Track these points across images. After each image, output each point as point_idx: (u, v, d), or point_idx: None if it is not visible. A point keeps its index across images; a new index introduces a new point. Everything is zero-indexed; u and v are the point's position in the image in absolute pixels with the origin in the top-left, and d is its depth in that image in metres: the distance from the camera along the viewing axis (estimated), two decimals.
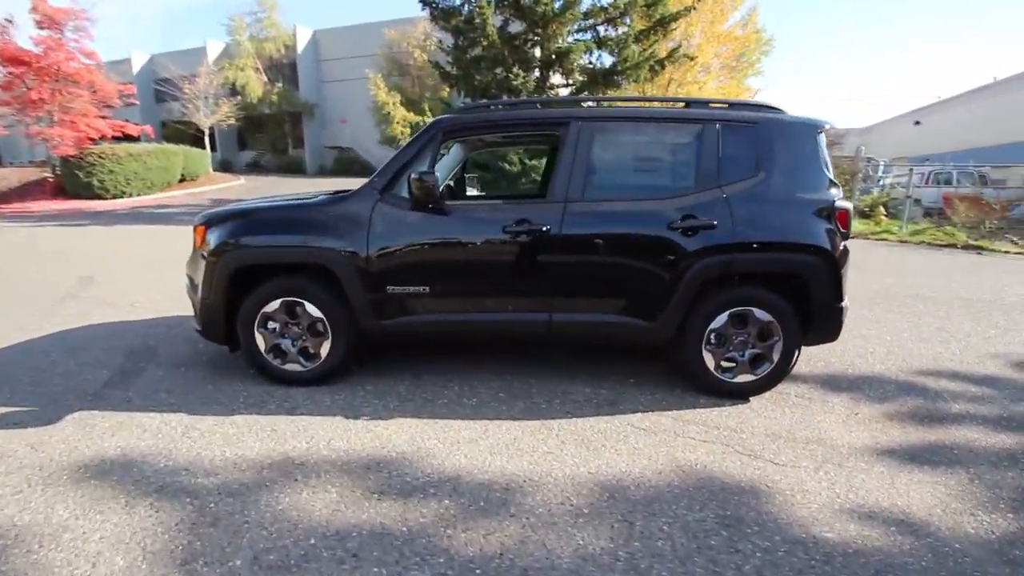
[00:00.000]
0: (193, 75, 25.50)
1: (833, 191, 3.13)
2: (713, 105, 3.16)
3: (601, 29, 13.62)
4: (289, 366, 3.23)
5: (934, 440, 2.81)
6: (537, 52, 13.56)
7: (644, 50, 12.72)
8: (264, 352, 3.21)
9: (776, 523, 2.08)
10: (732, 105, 3.16)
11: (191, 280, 3.40)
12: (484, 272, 3.10)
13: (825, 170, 3.14)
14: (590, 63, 13.31)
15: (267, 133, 30.11)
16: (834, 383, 3.53)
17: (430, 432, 2.75)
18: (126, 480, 2.31)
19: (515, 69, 13.17)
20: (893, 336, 4.53)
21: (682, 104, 3.19)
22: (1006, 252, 9.17)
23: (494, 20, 12.68)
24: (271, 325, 3.19)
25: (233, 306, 3.20)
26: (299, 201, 3.28)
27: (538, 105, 3.23)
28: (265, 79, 28.81)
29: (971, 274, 7.55)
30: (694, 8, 13.01)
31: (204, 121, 25.69)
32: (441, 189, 2.96)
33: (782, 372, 3.17)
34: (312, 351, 3.21)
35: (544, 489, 2.27)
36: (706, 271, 3.01)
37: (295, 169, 28.37)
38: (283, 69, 29.46)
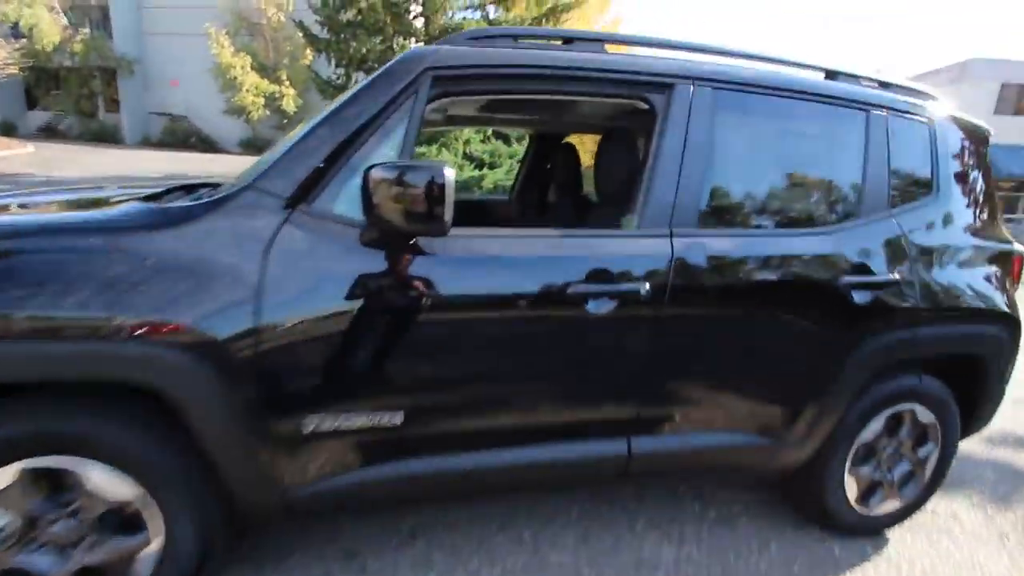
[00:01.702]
0: None
1: (1003, 227, 2.07)
2: (865, 83, 1.86)
3: (491, 10, 12.11)
4: None
5: None
6: (421, 24, 11.58)
7: None
8: None
9: None
10: (885, 85, 1.90)
11: None
12: (518, 373, 1.46)
13: (995, 197, 2.06)
14: None
15: (68, 90, 23.19)
16: None
17: None
18: None
19: (399, 40, 11.08)
20: None
21: (822, 74, 1.84)
22: None
23: None
24: None
25: None
26: (66, 218, 1.30)
27: (604, 47, 1.62)
28: (65, 22, 22.11)
29: None
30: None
31: None
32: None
33: (931, 492, 2.05)
34: (113, 566, 1.30)
35: None
36: (882, 355, 1.74)
37: (108, 137, 22.23)
38: (91, 12, 22.88)
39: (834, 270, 1.66)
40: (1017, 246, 2.02)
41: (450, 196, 1.17)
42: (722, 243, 1.56)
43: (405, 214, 1.18)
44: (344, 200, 1.29)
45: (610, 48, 1.61)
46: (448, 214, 1.18)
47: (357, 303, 1.27)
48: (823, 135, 1.74)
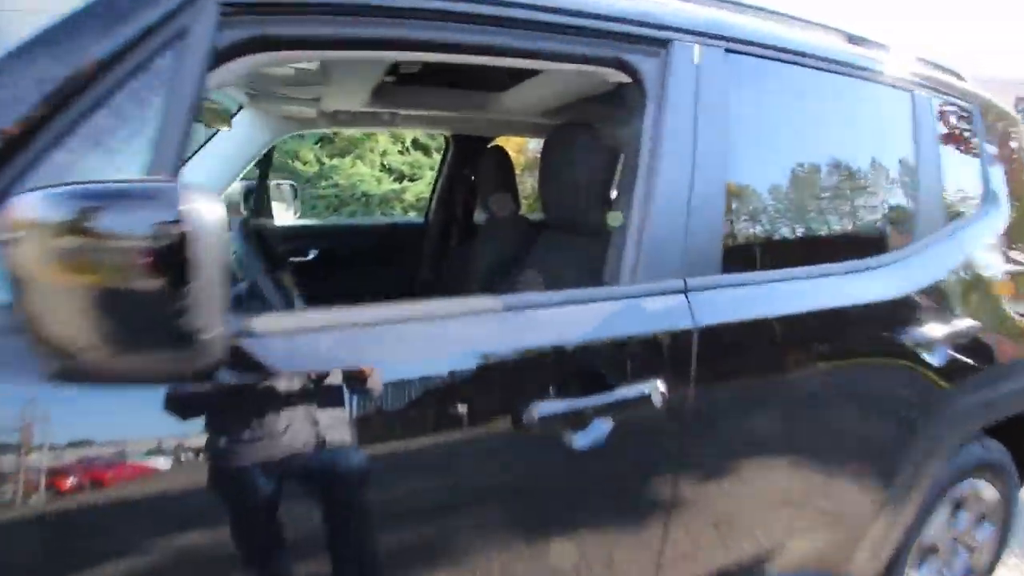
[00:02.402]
0: None
1: None
2: (892, 53, 1.35)
3: None
4: None
5: None
6: None
7: None
8: None
9: None
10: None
11: None
12: None
13: None
14: None
15: None
16: None
17: None
18: None
19: None
20: None
21: (842, 38, 1.30)
22: None
23: None
24: None
25: None
26: None
27: None
28: None
29: None
30: None
31: None
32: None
33: None
34: None
35: None
36: (962, 427, 1.24)
37: None
38: None
39: (902, 321, 1.11)
40: None
41: (213, 266, 0.46)
42: (762, 296, 0.95)
43: (96, 318, 0.45)
44: None
45: None
46: (211, 316, 0.47)
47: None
48: (867, 124, 1.20)
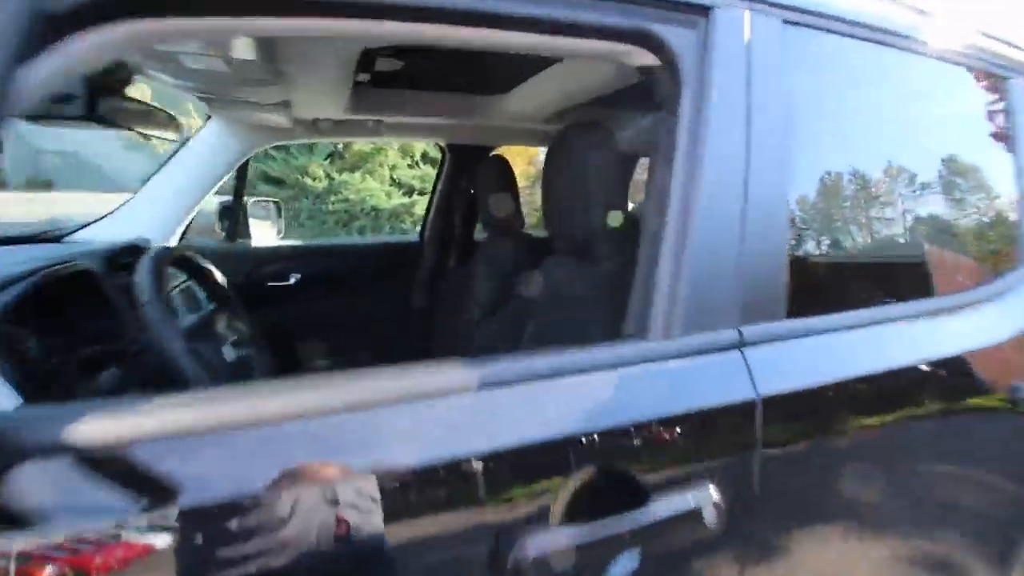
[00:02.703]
0: None
1: None
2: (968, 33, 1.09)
3: None
4: None
5: None
6: None
7: None
8: None
9: None
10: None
11: None
12: None
13: None
14: None
15: None
16: None
17: None
18: None
19: None
20: None
21: (912, 15, 1.06)
22: None
23: None
24: None
25: None
26: None
27: None
28: None
29: None
30: None
31: None
32: None
33: None
34: None
35: None
36: None
37: None
38: None
39: (1015, 370, 0.84)
40: None
41: None
42: (847, 348, 0.69)
43: None
44: None
45: None
46: None
47: None
48: (959, 118, 0.94)
